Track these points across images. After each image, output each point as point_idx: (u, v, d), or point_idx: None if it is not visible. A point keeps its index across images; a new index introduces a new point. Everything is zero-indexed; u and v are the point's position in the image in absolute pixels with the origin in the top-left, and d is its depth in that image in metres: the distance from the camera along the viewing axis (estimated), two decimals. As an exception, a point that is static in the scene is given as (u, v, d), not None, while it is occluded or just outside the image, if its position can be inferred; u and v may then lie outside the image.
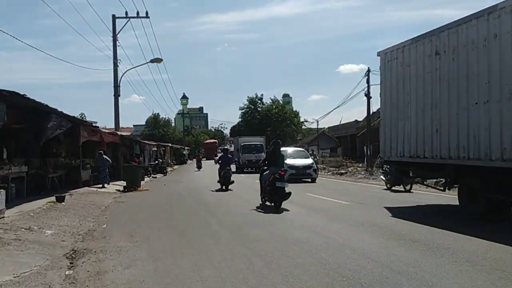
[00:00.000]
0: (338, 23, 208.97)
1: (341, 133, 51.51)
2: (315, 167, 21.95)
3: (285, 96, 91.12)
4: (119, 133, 23.97)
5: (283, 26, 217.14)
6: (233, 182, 16.71)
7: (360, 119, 47.62)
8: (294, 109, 66.39)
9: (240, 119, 65.76)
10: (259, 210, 10.82)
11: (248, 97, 63.64)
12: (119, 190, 17.24)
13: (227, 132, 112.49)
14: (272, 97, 63.84)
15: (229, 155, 18.50)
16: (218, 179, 17.08)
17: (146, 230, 8.24)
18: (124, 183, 18.24)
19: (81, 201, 12.42)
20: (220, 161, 17.44)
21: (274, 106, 60.78)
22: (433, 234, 7.16)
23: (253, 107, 62.44)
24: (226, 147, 21.32)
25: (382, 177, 17.30)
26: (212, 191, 16.35)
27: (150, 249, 6.61)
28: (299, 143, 51.50)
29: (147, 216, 10.42)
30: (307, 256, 5.81)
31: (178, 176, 30.37)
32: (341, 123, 52.53)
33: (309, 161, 21.95)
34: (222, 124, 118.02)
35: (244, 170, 31.37)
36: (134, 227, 8.61)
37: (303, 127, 64.99)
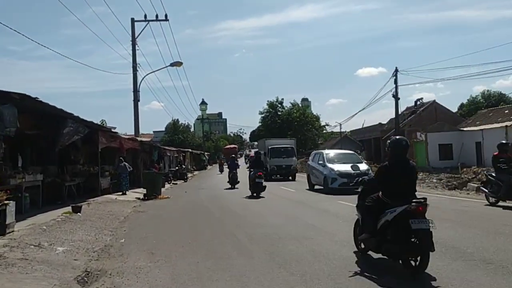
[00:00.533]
0: (356, 26, 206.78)
1: (364, 136, 50.02)
2: (371, 174, 16.61)
3: (304, 100, 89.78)
4: (138, 139, 23.30)
5: (301, 31, 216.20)
6: (239, 182, 20.97)
7: (384, 122, 46.13)
8: (314, 113, 65.09)
9: (260, 124, 64.86)
10: (248, 197, 15.87)
11: (268, 101, 62.78)
12: (139, 198, 16.52)
13: (246, 137, 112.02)
14: (292, 101, 62.78)
15: (235, 161, 22.53)
16: (227, 180, 21.78)
17: (168, 246, 7.34)
18: (144, 190, 17.54)
19: (98, 211, 11.65)
20: (228, 167, 22.68)
21: (295, 110, 59.63)
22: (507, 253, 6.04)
23: (273, 111, 61.44)
24: (233, 155, 24.88)
25: (482, 188, 12.54)
26: (225, 189, 20.23)
27: (173, 270, 5.69)
28: (321, 147, 50.19)
29: (169, 228, 9.56)
30: (364, 284, 4.79)
31: (199, 182, 29.58)
32: (363, 126, 51.15)
33: (364, 166, 17.48)
34: (241, 129, 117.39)
35: (273, 177, 26.67)
36: (154, 242, 7.74)
37: (324, 131, 63.73)
